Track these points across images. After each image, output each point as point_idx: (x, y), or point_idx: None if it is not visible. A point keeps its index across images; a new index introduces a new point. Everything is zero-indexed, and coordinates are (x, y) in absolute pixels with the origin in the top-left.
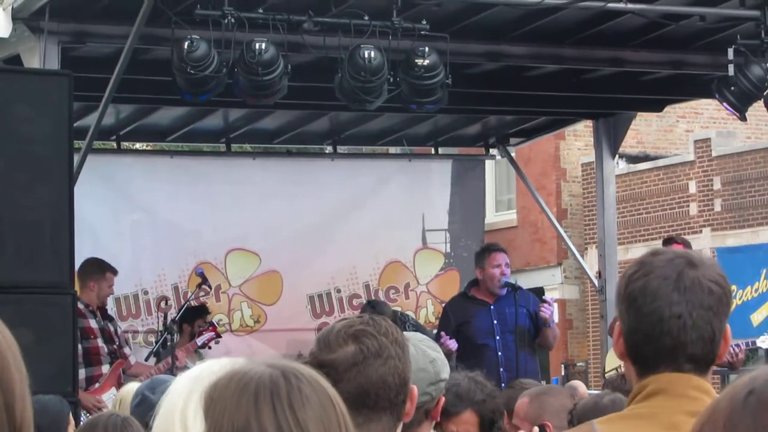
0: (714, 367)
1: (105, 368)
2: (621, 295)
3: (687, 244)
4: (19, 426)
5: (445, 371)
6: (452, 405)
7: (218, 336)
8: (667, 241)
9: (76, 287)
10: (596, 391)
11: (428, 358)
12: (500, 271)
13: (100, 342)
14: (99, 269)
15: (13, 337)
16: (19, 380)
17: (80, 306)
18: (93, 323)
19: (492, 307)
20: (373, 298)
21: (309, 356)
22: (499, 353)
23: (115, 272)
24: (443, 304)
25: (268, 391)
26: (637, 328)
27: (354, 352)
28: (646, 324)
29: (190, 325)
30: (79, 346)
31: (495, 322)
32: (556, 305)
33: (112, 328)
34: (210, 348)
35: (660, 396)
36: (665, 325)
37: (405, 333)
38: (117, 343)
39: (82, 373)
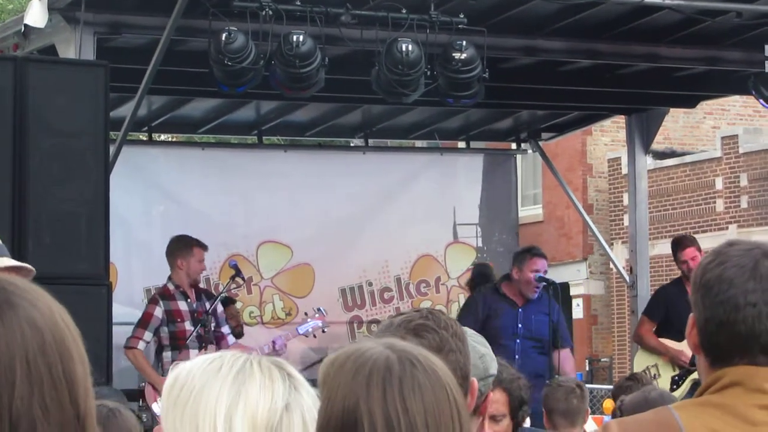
0: None
1: (192, 353)
2: (696, 284)
3: (696, 243)
4: (83, 417)
5: (494, 367)
6: None
7: (326, 325)
8: (678, 244)
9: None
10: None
11: (478, 353)
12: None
13: (187, 325)
14: (185, 246)
15: (77, 329)
16: (82, 372)
17: (170, 287)
18: (182, 305)
19: (520, 310)
20: (404, 291)
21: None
22: (517, 356)
23: (204, 247)
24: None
25: (381, 375)
26: (712, 316)
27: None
28: (720, 312)
29: None
30: (166, 329)
31: (520, 325)
32: None
33: (209, 308)
34: (315, 337)
35: (736, 388)
36: (740, 314)
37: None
38: (213, 324)
39: (168, 356)
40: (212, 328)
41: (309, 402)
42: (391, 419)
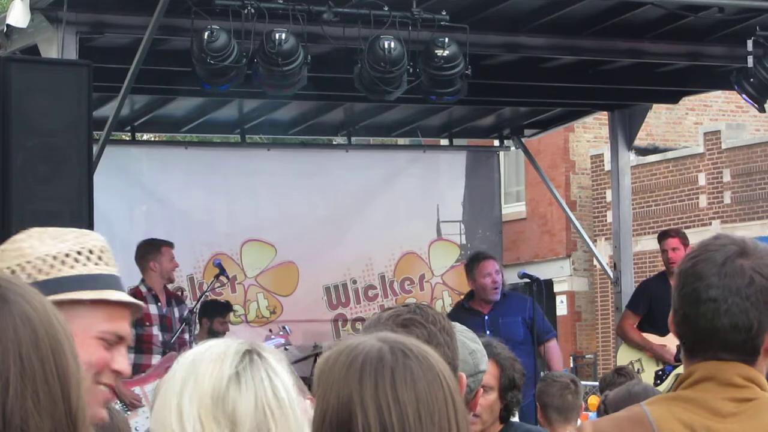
0: None
1: (155, 358)
2: (675, 273)
3: (683, 236)
4: (74, 413)
5: (484, 363)
6: None
7: (288, 343)
8: (664, 234)
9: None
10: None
11: (468, 349)
12: (491, 279)
13: (155, 330)
14: (153, 247)
15: (68, 325)
16: (75, 367)
17: (142, 289)
18: (153, 309)
19: (486, 317)
20: (388, 289)
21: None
22: None
23: (171, 245)
24: (461, 295)
25: (373, 367)
26: (679, 307)
27: None
28: (685, 304)
29: (209, 320)
30: (133, 332)
31: (488, 332)
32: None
33: (177, 314)
34: None
35: (707, 382)
36: (701, 307)
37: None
38: (178, 330)
39: (131, 358)
40: (176, 335)
41: (270, 387)
42: (383, 410)
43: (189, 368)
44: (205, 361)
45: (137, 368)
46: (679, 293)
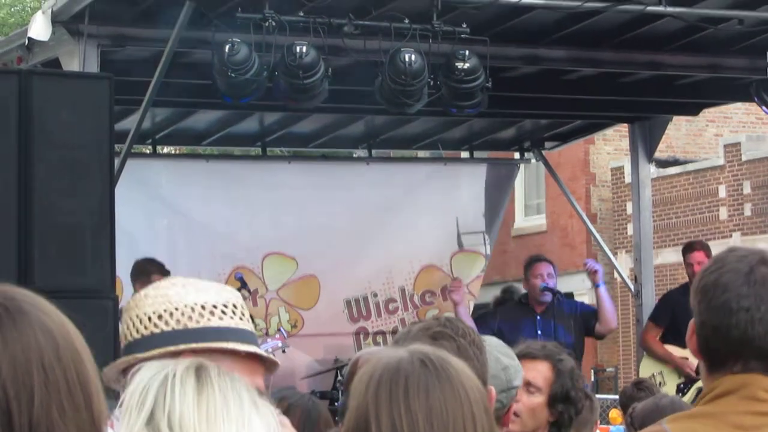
0: None
1: None
2: (695, 289)
3: (708, 249)
4: (97, 420)
5: (518, 378)
6: (531, 348)
7: (285, 345)
8: (688, 247)
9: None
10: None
11: (501, 365)
12: (541, 280)
13: None
14: (142, 273)
15: (80, 335)
16: (94, 375)
17: None
18: None
19: (538, 318)
20: (408, 302)
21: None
22: None
23: (164, 272)
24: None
25: (390, 377)
26: (707, 321)
27: None
28: (714, 316)
29: None
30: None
31: (539, 332)
32: (601, 267)
33: None
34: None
35: (729, 396)
36: (733, 318)
37: (483, 336)
38: None
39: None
40: None
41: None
42: (394, 419)
43: None
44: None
45: None
46: (708, 306)
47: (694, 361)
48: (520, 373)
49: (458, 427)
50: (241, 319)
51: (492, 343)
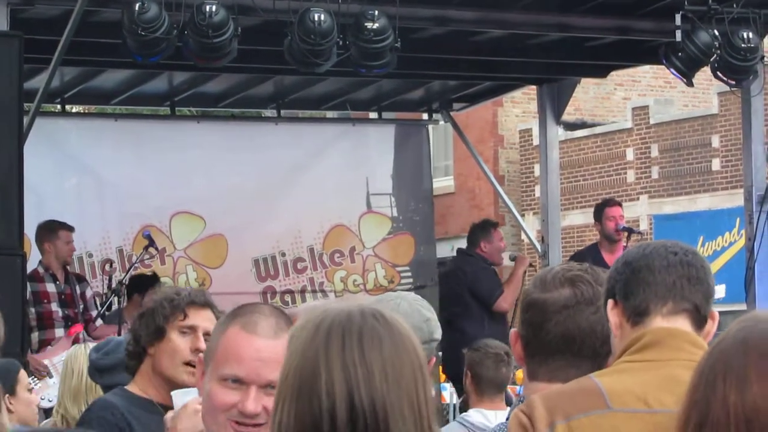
0: None
1: (59, 332)
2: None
3: (620, 206)
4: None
5: (438, 332)
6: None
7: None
8: (606, 203)
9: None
10: None
11: (423, 317)
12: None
13: (54, 306)
14: (49, 230)
15: None
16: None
17: (39, 270)
18: (50, 287)
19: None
20: (317, 261)
21: (522, 294)
22: None
23: (70, 229)
24: (396, 268)
25: (341, 327)
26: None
27: (568, 295)
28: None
29: (140, 294)
30: (33, 310)
31: None
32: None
33: (78, 291)
34: None
35: (656, 348)
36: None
37: (399, 291)
38: (81, 306)
39: (35, 336)
40: (80, 311)
41: None
42: (348, 367)
43: None
44: None
45: (42, 343)
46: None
47: None
48: (439, 327)
49: (408, 380)
50: None
51: (411, 297)
